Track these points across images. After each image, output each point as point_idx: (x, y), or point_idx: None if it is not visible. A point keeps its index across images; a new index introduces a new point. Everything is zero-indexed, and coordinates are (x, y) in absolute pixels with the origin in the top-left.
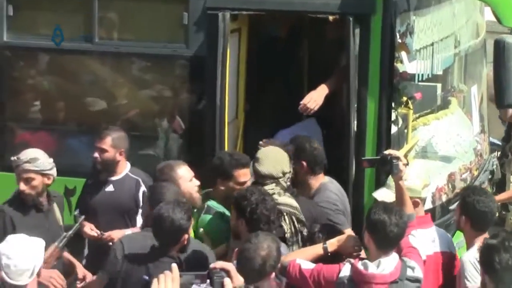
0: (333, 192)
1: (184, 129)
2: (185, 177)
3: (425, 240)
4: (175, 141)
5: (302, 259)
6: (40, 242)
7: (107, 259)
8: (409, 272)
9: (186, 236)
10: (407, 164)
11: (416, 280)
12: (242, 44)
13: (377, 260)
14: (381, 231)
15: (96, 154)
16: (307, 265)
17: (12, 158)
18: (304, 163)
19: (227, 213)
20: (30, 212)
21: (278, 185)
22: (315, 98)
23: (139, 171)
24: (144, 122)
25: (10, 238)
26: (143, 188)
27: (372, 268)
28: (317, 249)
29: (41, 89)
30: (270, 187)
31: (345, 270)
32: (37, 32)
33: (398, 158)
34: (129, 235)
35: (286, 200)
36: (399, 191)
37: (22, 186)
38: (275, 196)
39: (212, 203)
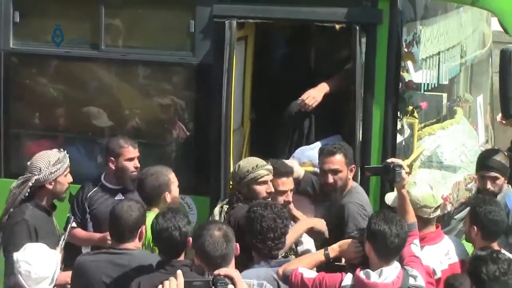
0: (363, 196)
1: (190, 136)
2: (175, 182)
3: (437, 255)
4: (180, 148)
5: (304, 266)
6: (56, 252)
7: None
8: (411, 281)
9: (190, 239)
10: (410, 172)
11: None
12: (249, 52)
13: (379, 269)
14: (382, 241)
15: (137, 164)
16: (310, 274)
17: (60, 160)
18: (354, 166)
19: None
20: (46, 219)
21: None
22: (313, 95)
23: None
24: (149, 129)
25: (29, 245)
26: None
27: (374, 277)
28: (318, 256)
29: (47, 95)
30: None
31: (347, 279)
32: (43, 39)
33: (400, 166)
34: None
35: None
36: (401, 200)
37: (70, 178)
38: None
39: None
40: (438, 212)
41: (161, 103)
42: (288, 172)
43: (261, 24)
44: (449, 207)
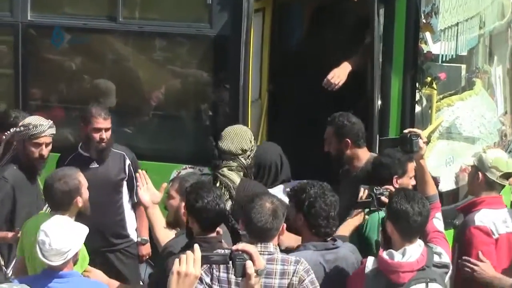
0: None
1: (208, 108)
2: (85, 183)
3: (493, 219)
4: (198, 120)
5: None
6: (83, 229)
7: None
8: (436, 258)
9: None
10: (428, 142)
11: (444, 266)
12: (266, 24)
13: (402, 249)
14: (405, 221)
15: (104, 135)
16: None
17: (31, 126)
18: (348, 140)
19: None
20: (27, 180)
21: (236, 161)
22: (338, 74)
23: (117, 145)
24: (167, 101)
25: (56, 217)
26: (128, 161)
27: (398, 256)
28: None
29: (65, 67)
30: (228, 163)
31: (369, 263)
32: (61, 11)
33: (417, 136)
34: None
35: (232, 175)
36: (420, 171)
37: (45, 151)
38: (225, 171)
39: None
40: (506, 183)
41: (179, 75)
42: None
43: None
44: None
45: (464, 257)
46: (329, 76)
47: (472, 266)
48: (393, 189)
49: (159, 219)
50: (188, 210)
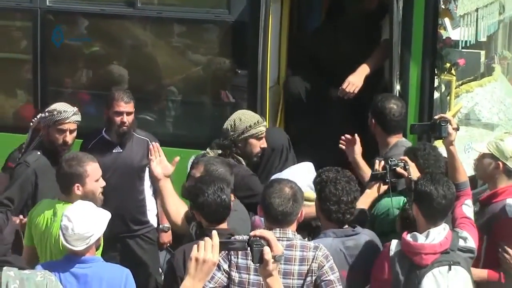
0: None
1: (226, 94)
2: (93, 176)
3: None
4: (216, 106)
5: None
6: (106, 214)
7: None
8: (461, 243)
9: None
10: (458, 128)
11: (469, 251)
12: (285, 9)
13: (425, 231)
14: (429, 203)
15: (125, 119)
16: None
17: (56, 111)
18: (373, 120)
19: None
20: (52, 167)
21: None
22: (353, 82)
23: (141, 131)
24: (185, 87)
25: (78, 202)
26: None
27: (421, 239)
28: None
29: (84, 53)
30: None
31: (393, 245)
32: None
33: (447, 121)
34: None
35: (209, 152)
36: (450, 157)
37: (69, 138)
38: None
39: None
40: None
41: (197, 61)
42: None
43: None
44: None
45: (505, 247)
46: (344, 85)
47: (506, 255)
48: (408, 160)
49: (170, 192)
50: (192, 206)
